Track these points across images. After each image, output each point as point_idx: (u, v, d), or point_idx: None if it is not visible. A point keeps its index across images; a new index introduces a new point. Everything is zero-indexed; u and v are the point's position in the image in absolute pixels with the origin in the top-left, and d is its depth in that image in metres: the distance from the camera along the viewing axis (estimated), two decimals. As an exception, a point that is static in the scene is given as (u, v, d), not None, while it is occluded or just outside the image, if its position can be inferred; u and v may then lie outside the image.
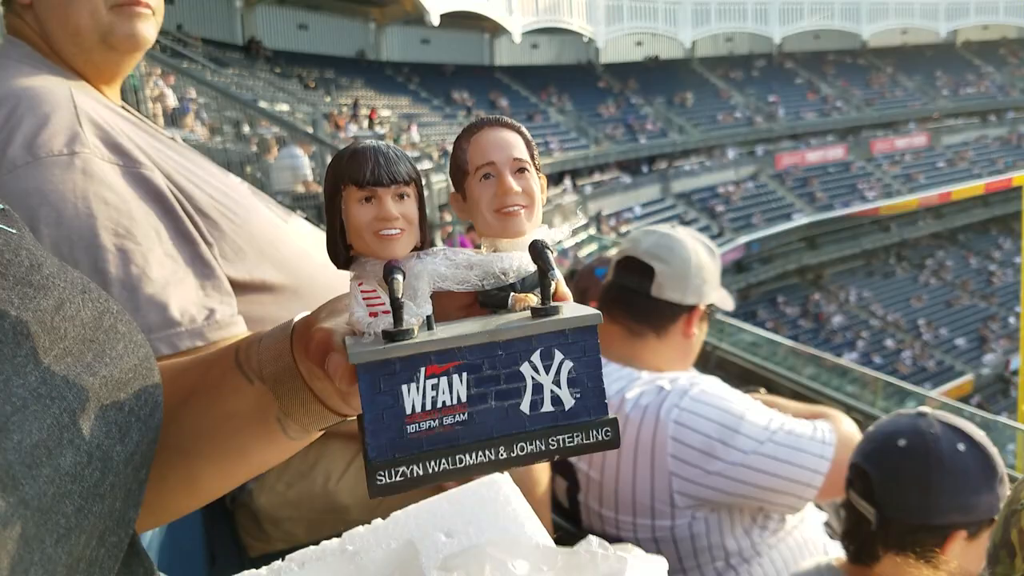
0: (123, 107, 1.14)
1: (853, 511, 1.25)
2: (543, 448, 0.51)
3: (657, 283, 1.64)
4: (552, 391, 0.51)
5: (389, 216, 0.52)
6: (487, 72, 33.57)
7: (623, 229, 26.82)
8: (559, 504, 1.69)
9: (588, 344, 0.52)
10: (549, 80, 33.62)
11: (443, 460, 0.49)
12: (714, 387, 1.59)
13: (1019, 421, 16.45)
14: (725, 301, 1.76)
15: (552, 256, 0.53)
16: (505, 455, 0.50)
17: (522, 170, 0.54)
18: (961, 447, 1.17)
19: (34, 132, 0.92)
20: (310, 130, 9.10)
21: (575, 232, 24.75)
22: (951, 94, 39.46)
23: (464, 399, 0.49)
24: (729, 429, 1.51)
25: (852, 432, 1.59)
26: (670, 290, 1.64)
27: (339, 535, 0.74)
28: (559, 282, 0.55)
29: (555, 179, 27.70)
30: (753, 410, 1.54)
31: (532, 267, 0.54)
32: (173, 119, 8.67)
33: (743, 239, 28.75)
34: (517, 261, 0.54)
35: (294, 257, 1.15)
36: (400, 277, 0.50)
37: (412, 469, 0.48)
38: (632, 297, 1.67)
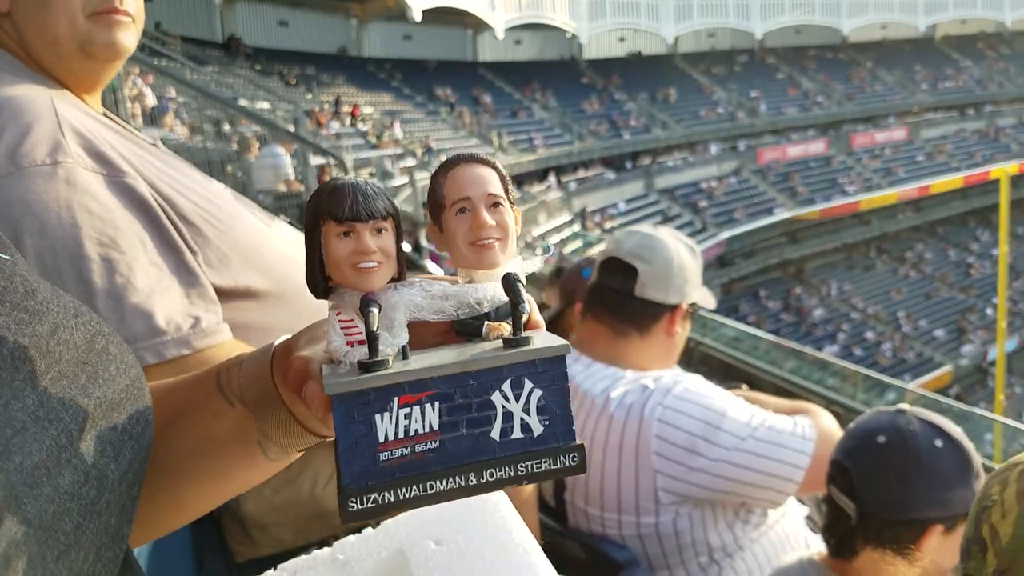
0: (105, 114, 1.13)
1: (834, 506, 1.27)
2: (512, 474, 0.52)
3: (640, 283, 1.65)
4: (522, 419, 0.52)
5: (367, 250, 0.53)
6: (470, 68, 33.48)
7: (608, 225, 26.89)
8: (545, 503, 1.71)
9: (557, 373, 0.53)
10: (532, 76, 33.59)
11: (414, 487, 0.50)
12: (697, 385, 1.61)
13: (996, 411, 16.71)
14: (707, 300, 1.78)
15: (522, 289, 0.54)
16: (475, 481, 0.52)
17: (496, 204, 0.56)
18: (938, 443, 1.20)
19: (16, 142, 0.91)
20: (291, 128, 9.04)
21: (560, 228, 24.81)
22: (930, 88, 39.87)
23: (436, 427, 0.51)
24: (711, 426, 1.53)
25: (831, 427, 1.62)
26: (653, 290, 1.66)
27: (326, 540, 0.75)
28: (532, 311, 0.57)
29: (540, 175, 27.71)
30: (735, 407, 1.56)
31: (506, 297, 0.56)
32: (152, 118, 8.58)
33: (726, 234, 28.92)
34: (491, 292, 0.56)
35: (278, 263, 1.15)
36: (375, 310, 0.51)
37: (383, 496, 0.50)
38: (616, 297, 1.68)
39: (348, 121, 22.73)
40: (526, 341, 0.53)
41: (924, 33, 41.76)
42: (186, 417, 0.64)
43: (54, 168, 0.92)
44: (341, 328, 0.53)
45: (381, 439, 0.50)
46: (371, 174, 18.10)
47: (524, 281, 0.57)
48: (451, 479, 0.51)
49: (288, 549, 1.17)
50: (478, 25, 32.29)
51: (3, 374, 0.46)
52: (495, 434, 0.52)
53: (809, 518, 1.78)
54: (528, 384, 0.53)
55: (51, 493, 0.46)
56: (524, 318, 0.54)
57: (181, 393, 0.66)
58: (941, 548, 1.16)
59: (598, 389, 1.62)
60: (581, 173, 29.74)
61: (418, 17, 27.67)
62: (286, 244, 1.21)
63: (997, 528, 0.74)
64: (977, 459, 1.21)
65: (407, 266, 0.58)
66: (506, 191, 0.58)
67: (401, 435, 0.50)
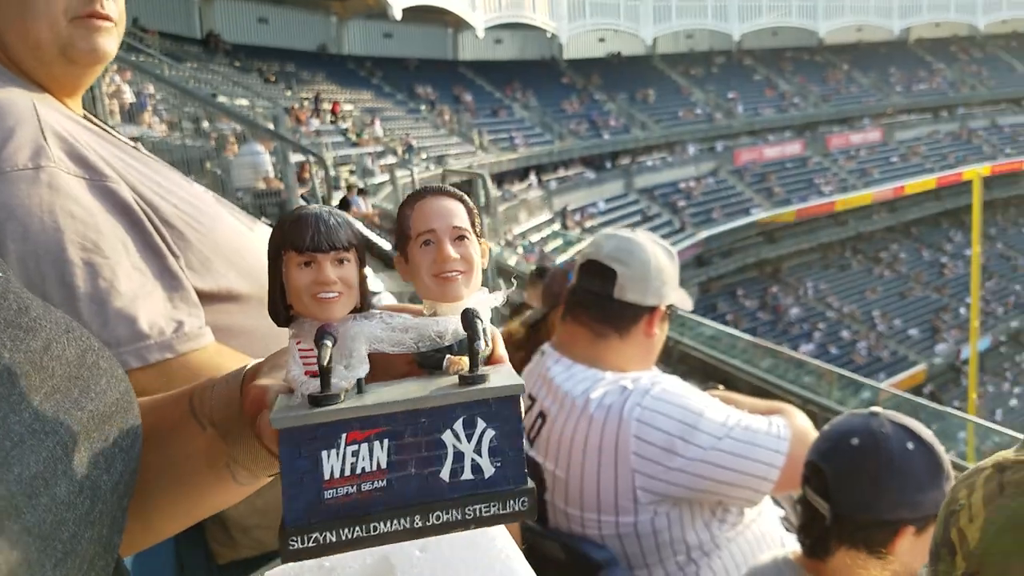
0: (85, 116, 1.13)
1: (809, 507, 1.29)
2: (459, 517, 0.51)
3: (619, 285, 1.67)
4: (473, 459, 0.51)
5: (327, 280, 0.53)
6: (451, 67, 33.41)
7: (588, 224, 26.98)
8: (525, 503, 1.72)
9: (510, 413, 0.52)
10: (513, 75, 33.60)
11: (357, 527, 0.49)
12: (674, 386, 1.63)
13: (970, 409, 17.01)
14: (684, 301, 1.80)
15: (481, 325, 0.54)
16: (420, 523, 0.50)
17: (461, 237, 0.56)
18: (910, 446, 1.22)
19: None
20: (271, 126, 8.98)
21: (541, 227, 24.83)
22: (904, 90, 40.45)
23: (384, 465, 0.50)
24: (689, 426, 1.55)
25: (806, 427, 1.65)
26: (631, 292, 1.68)
27: None
28: (496, 347, 0.57)
29: (520, 174, 27.73)
30: (711, 408, 1.59)
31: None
32: (131, 115, 8.47)
33: (704, 233, 29.14)
34: (453, 325, 0.55)
35: (260, 266, 1.14)
36: (329, 343, 0.51)
37: (325, 535, 0.49)
38: (595, 299, 1.70)
39: (328, 118, 22.59)
40: (481, 379, 0.52)
41: (898, 36, 42.37)
42: (158, 437, 0.64)
43: (36, 172, 0.91)
44: (300, 358, 0.53)
45: (327, 476, 0.49)
46: (351, 171, 18.02)
47: (486, 316, 0.56)
48: (396, 520, 0.50)
49: (270, 552, 1.17)
50: (459, 24, 32.24)
51: (1, 389, 0.47)
52: (444, 475, 0.50)
53: (785, 518, 1.81)
54: (481, 424, 0.51)
55: (48, 503, 0.47)
56: (481, 355, 0.53)
57: (155, 413, 0.66)
58: (913, 548, 1.19)
59: (578, 390, 1.64)
60: (561, 172, 29.82)
61: (398, 15, 27.56)
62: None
63: (965, 532, 0.76)
64: (947, 461, 1.24)
65: (368, 293, 0.59)
66: (473, 224, 0.58)
67: (348, 472, 0.49)
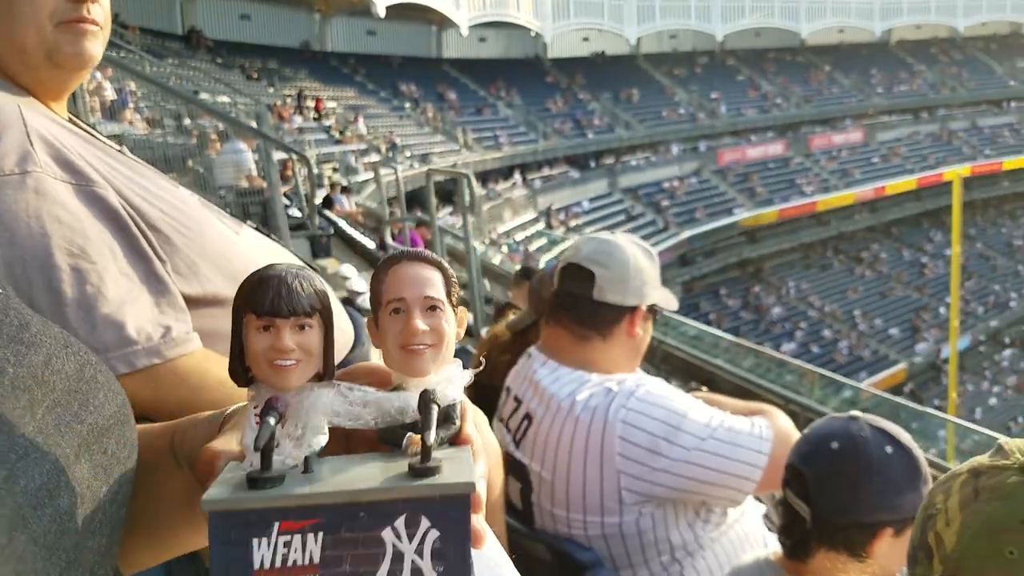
0: (71, 119, 1.13)
1: (789, 509, 1.31)
2: None
3: (598, 287, 1.69)
4: (413, 561, 0.47)
5: (283, 348, 0.51)
6: (435, 65, 33.34)
7: (572, 223, 27.05)
8: (512, 505, 1.73)
9: (459, 514, 0.48)
10: (497, 74, 33.59)
11: None
12: (659, 388, 1.65)
13: (950, 407, 17.21)
14: (669, 301, 1.82)
15: (436, 412, 0.50)
16: None
17: (433, 308, 0.54)
18: (889, 449, 1.24)
19: None
20: (253, 124, 8.92)
21: (525, 226, 24.85)
22: (885, 91, 40.86)
23: (317, 560, 0.46)
24: (673, 427, 1.57)
25: (788, 428, 1.67)
26: (611, 293, 1.69)
27: None
28: (464, 422, 0.54)
29: (505, 173, 27.75)
30: (695, 409, 1.61)
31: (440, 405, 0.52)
32: (111, 112, 8.39)
33: (687, 233, 29.30)
34: (416, 401, 0.53)
35: (246, 270, 1.14)
36: (273, 420, 0.48)
37: None
38: (576, 302, 1.71)
39: (312, 116, 22.47)
40: (431, 472, 0.48)
41: (880, 38, 42.80)
42: (139, 472, 0.64)
43: (23, 178, 0.91)
44: (256, 423, 0.51)
45: (256, 566, 0.46)
46: (335, 169, 17.93)
47: (457, 391, 0.54)
48: None
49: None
50: (443, 22, 32.17)
51: (5, 403, 0.49)
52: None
53: (767, 517, 1.84)
54: (425, 523, 0.47)
55: (53, 514, 0.48)
56: (433, 445, 0.49)
57: (139, 445, 0.66)
58: (891, 550, 1.21)
59: (564, 393, 1.66)
60: (546, 171, 29.87)
61: (382, 13, 27.45)
62: (254, 251, 1.21)
63: (942, 536, 0.78)
64: (925, 464, 1.26)
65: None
66: (448, 293, 0.56)
67: (278, 564, 0.46)
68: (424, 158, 23.28)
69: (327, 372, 0.55)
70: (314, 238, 6.95)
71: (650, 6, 36.25)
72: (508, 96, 32.52)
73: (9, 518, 0.44)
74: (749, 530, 1.71)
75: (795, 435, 1.56)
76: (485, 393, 1.87)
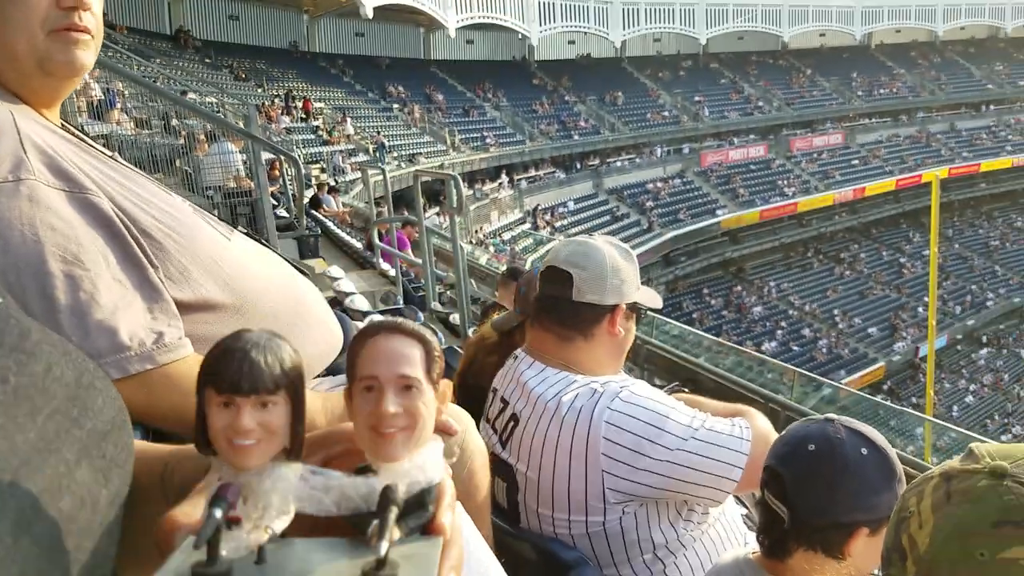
0: (63, 126, 1.14)
1: (768, 509, 1.33)
2: None
3: (576, 288, 1.71)
4: None
5: (241, 428, 0.49)
6: (423, 66, 33.27)
7: (558, 224, 27.10)
8: (498, 505, 1.75)
9: None
10: (484, 76, 33.57)
11: None
12: (642, 390, 1.68)
13: (927, 405, 17.36)
14: (653, 300, 1.84)
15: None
16: None
17: (409, 387, 0.50)
18: (864, 451, 1.27)
19: None
20: (241, 124, 8.87)
21: (512, 226, 24.87)
22: (865, 95, 41.25)
23: None
24: (656, 428, 1.59)
25: (767, 428, 1.70)
26: (589, 293, 1.71)
27: None
28: (439, 509, 0.51)
29: (492, 174, 27.75)
30: (677, 410, 1.64)
31: (408, 490, 0.49)
32: (99, 113, 8.29)
33: (671, 233, 29.44)
34: (382, 488, 0.49)
35: (237, 275, 1.16)
36: (219, 513, 0.46)
37: None
38: (557, 303, 1.74)
39: (299, 116, 22.36)
40: None
41: (860, 41, 43.19)
42: (129, 497, 0.65)
43: (16, 185, 0.92)
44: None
45: None
46: (322, 169, 17.85)
47: (435, 473, 0.51)
48: None
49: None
50: (430, 23, 32.11)
51: (8, 410, 0.50)
52: None
53: (747, 516, 1.87)
54: None
55: (54, 516, 0.50)
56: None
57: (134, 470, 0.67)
58: (867, 549, 1.23)
59: (551, 394, 1.68)
60: (532, 172, 29.90)
61: (370, 14, 27.36)
62: (246, 256, 1.22)
63: (915, 538, 0.79)
64: (899, 465, 1.29)
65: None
66: (428, 369, 0.52)
67: None
68: (411, 159, 23.24)
69: (294, 447, 0.52)
70: (302, 239, 6.93)
71: (635, 9, 36.38)
72: (495, 98, 32.51)
73: (14, 521, 0.46)
74: (730, 529, 1.74)
75: (774, 435, 1.59)
76: (472, 394, 1.89)
